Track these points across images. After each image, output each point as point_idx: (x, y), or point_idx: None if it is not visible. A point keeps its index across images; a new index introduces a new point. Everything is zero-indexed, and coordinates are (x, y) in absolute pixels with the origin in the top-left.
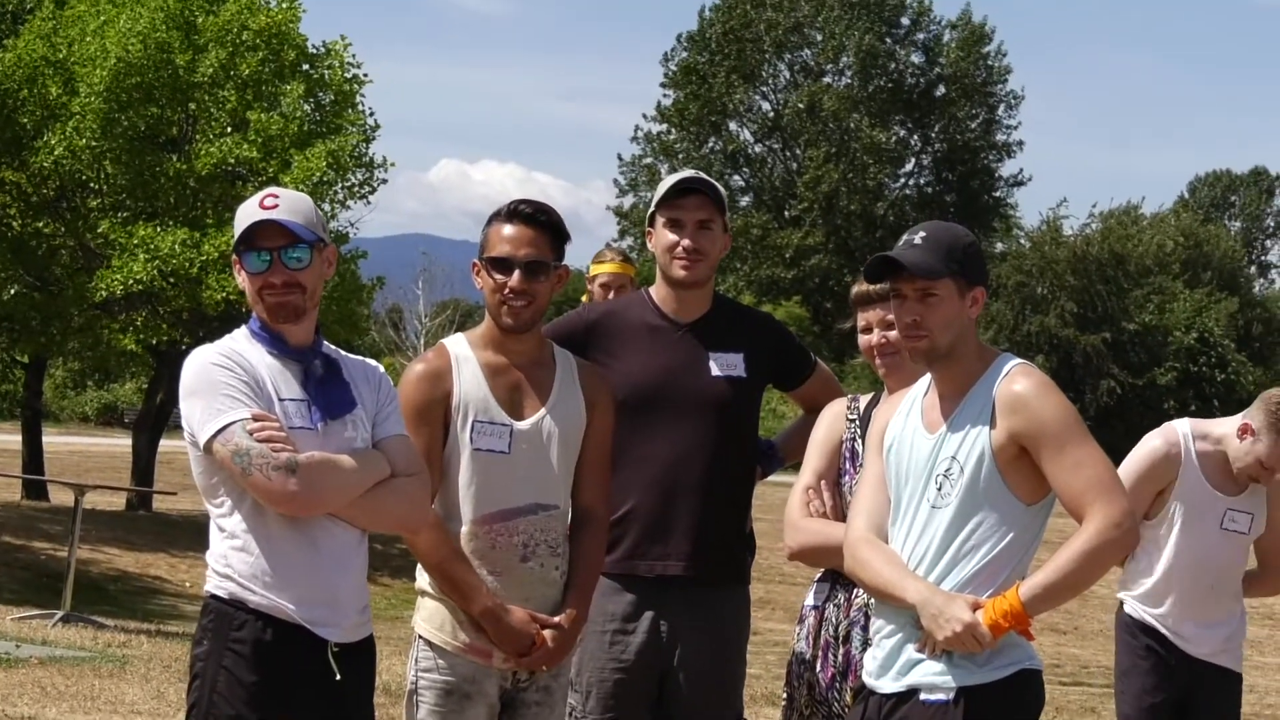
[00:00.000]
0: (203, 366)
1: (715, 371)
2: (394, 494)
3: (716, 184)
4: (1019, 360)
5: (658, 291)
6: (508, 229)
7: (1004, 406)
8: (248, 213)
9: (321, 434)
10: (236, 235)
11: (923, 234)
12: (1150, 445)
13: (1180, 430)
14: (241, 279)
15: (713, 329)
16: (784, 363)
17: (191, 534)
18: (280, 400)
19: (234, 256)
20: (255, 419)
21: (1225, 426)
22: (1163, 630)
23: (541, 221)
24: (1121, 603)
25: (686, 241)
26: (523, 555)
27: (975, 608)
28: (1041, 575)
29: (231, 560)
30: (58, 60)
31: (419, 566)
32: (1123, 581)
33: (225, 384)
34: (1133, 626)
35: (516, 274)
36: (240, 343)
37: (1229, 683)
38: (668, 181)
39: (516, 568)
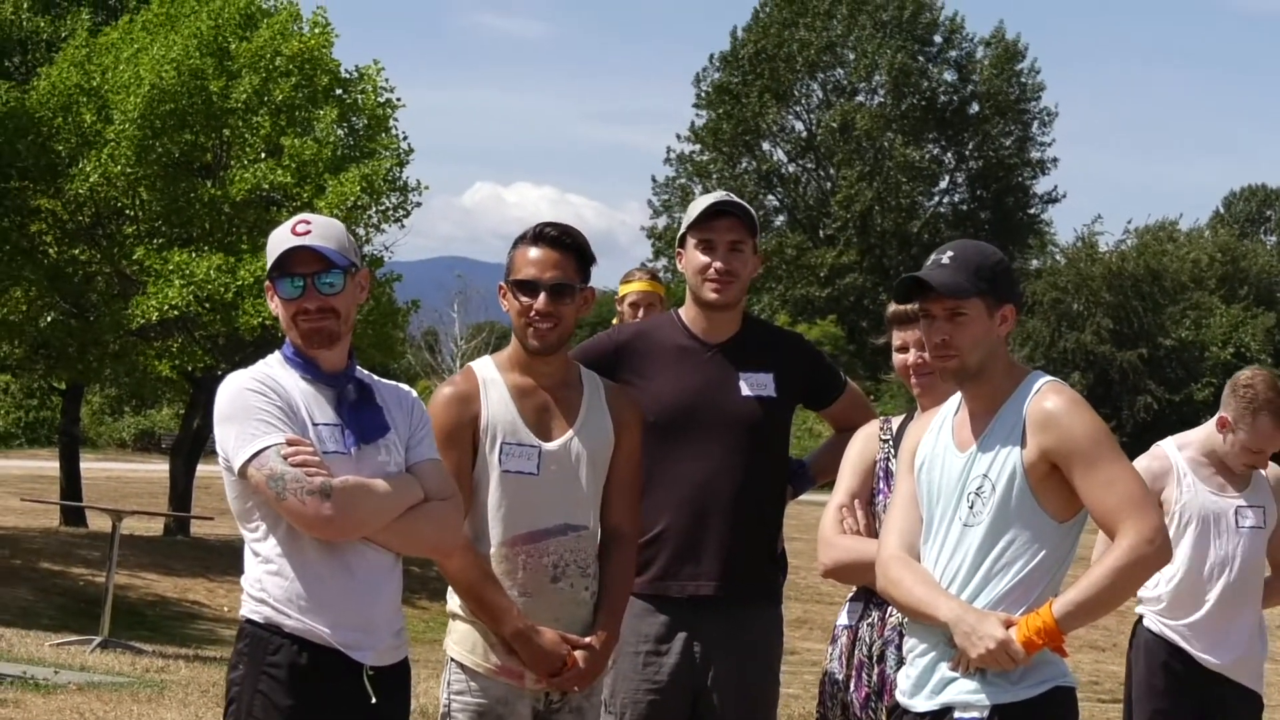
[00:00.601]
0: (237, 392)
1: (745, 392)
2: (427, 518)
3: (748, 205)
4: (1049, 378)
5: (687, 312)
6: (533, 252)
7: (1035, 424)
8: (280, 239)
9: (355, 458)
10: (270, 262)
11: (950, 253)
12: (1137, 464)
13: (1163, 446)
14: (275, 305)
15: (743, 349)
16: (815, 382)
17: (229, 558)
18: (314, 425)
19: (268, 283)
20: (289, 444)
21: (1201, 430)
22: (1183, 644)
23: (567, 244)
24: (1139, 619)
25: (719, 264)
26: (553, 576)
27: (1008, 625)
28: (1075, 592)
29: (266, 584)
30: (92, 88)
31: (450, 589)
32: (1141, 598)
33: (260, 409)
34: (1151, 644)
35: (542, 297)
36: (274, 368)
37: (1249, 703)
38: (699, 203)
39: (547, 589)
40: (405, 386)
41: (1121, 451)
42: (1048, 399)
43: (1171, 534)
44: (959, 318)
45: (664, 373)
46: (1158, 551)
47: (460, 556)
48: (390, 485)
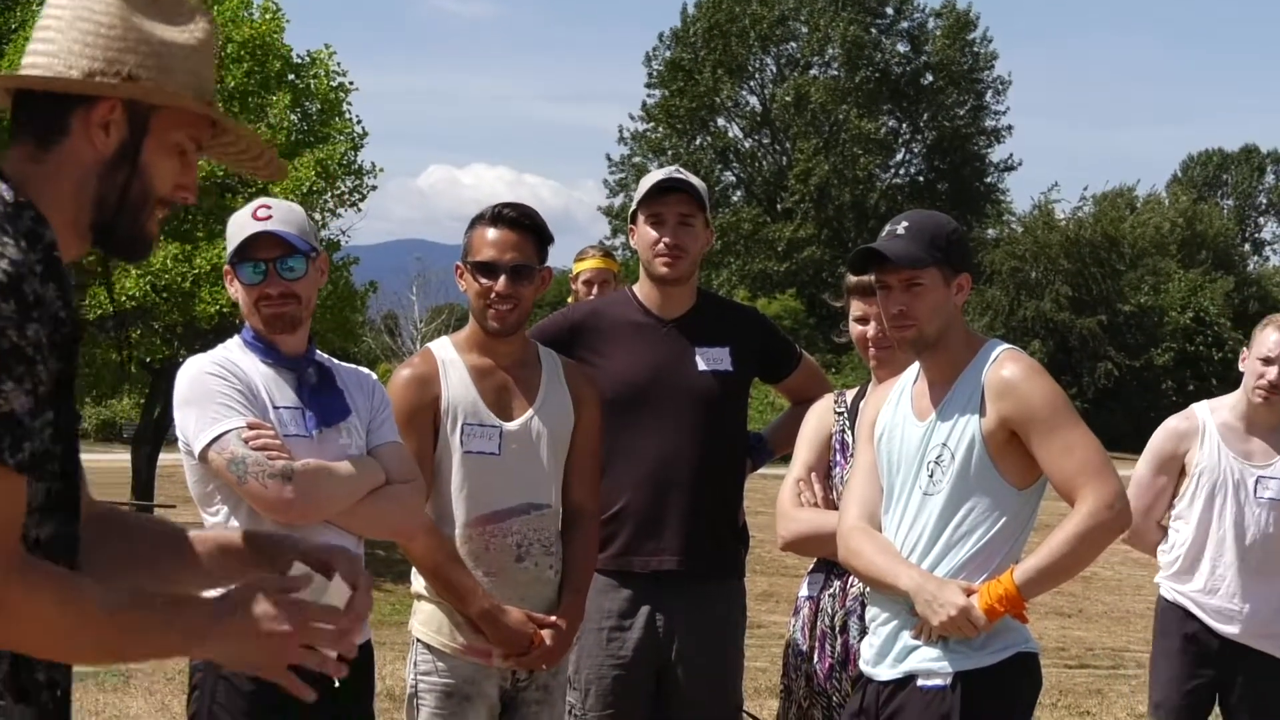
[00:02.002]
0: (197, 376)
1: (701, 366)
2: (389, 500)
3: (697, 180)
4: (1007, 346)
5: (641, 289)
6: (491, 233)
7: (993, 392)
8: (241, 224)
9: (317, 441)
10: (230, 247)
11: (905, 224)
12: (1166, 424)
13: (1196, 407)
14: (235, 291)
15: (697, 324)
16: (770, 356)
17: None
18: (275, 408)
19: (227, 268)
20: (250, 427)
21: (1237, 391)
22: (1196, 611)
23: (525, 225)
24: (1160, 588)
25: (668, 238)
26: (517, 555)
27: (969, 593)
28: (1035, 559)
29: None
30: None
31: (414, 571)
32: (1159, 565)
33: (219, 393)
34: (1166, 610)
35: (502, 279)
36: (234, 352)
37: (1271, 669)
38: (648, 179)
39: (511, 568)
40: (365, 370)
41: (1079, 418)
42: (1005, 367)
43: (1188, 496)
44: (915, 288)
45: (619, 350)
46: (1117, 516)
47: (423, 538)
48: (352, 468)
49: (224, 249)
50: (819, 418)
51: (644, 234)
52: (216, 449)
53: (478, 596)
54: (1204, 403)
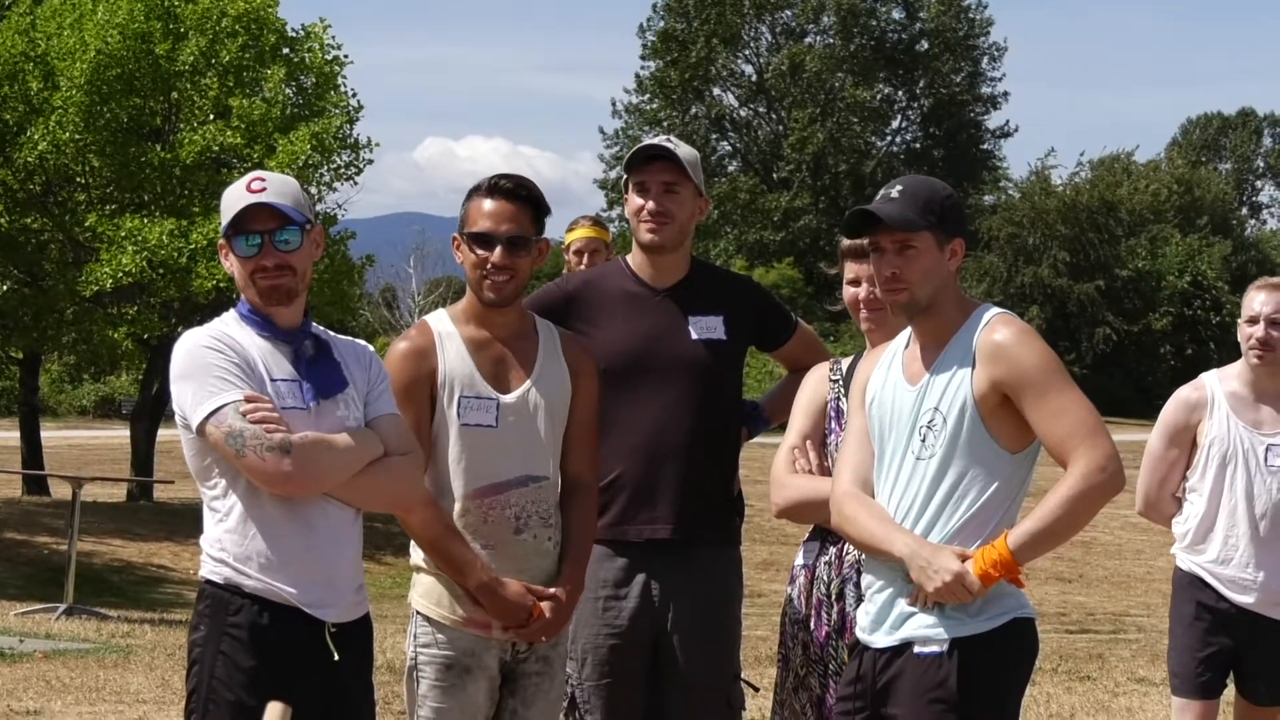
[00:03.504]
0: (194, 349)
1: (694, 335)
2: (387, 473)
3: (686, 149)
4: (999, 310)
5: (634, 258)
6: (488, 204)
7: (985, 355)
8: (236, 197)
9: (314, 414)
10: (225, 220)
11: (899, 187)
12: (1176, 394)
13: (1205, 376)
14: (230, 264)
15: (691, 293)
16: (765, 324)
17: (192, 522)
18: (272, 380)
19: (222, 242)
20: (248, 400)
21: (1239, 362)
22: (1210, 579)
23: (522, 196)
24: (1176, 559)
25: (651, 204)
26: (515, 528)
27: (963, 558)
28: (1029, 523)
29: (226, 544)
30: (38, 55)
31: (413, 543)
32: (1177, 538)
33: (216, 366)
34: (1182, 580)
35: (498, 250)
36: (230, 325)
37: None
38: (637, 149)
39: (510, 540)
40: (362, 342)
41: (1072, 381)
42: (997, 330)
43: (1199, 468)
44: (909, 251)
45: (613, 320)
46: (1110, 478)
47: (421, 510)
48: (350, 440)
49: (219, 224)
50: (814, 385)
51: (631, 202)
52: (214, 422)
53: (476, 569)
54: (1213, 372)
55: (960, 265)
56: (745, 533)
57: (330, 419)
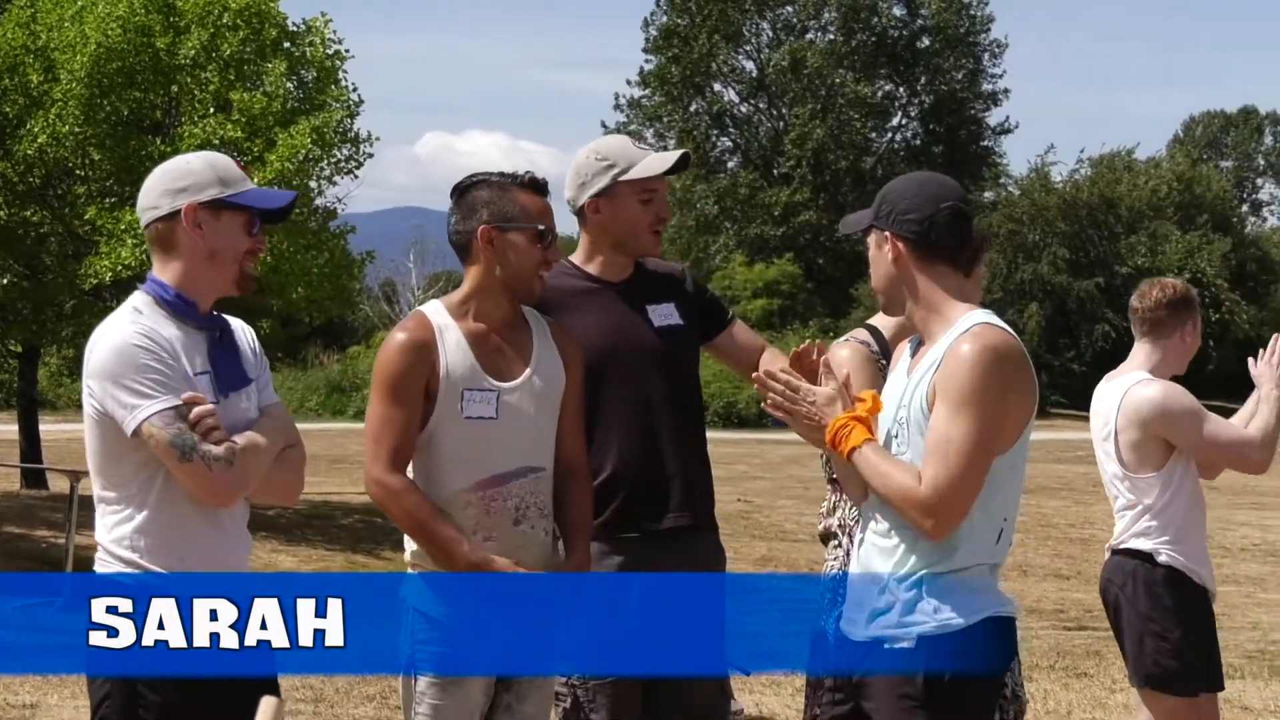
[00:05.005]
0: (124, 347)
1: (656, 323)
2: (286, 466)
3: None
4: (985, 321)
5: (582, 258)
6: (540, 201)
7: (945, 360)
8: (240, 176)
9: (223, 408)
10: (231, 190)
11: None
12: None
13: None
14: (206, 235)
15: (641, 285)
16: (707, 309)
17: None
18: (195, 375)
19: (210, 211)
20: (188, 403)
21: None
22: (1189, 574)
23: (548, 193)
24: (1150, 556)
25: (664, 214)
26: (515, 519)
27: (855, 420)
28: (874, 459)
29: (136, 542)
30: (38, 48)
31: (406, 539)
32: (1147, 533)
33: (150, 366)
34: (1168, 578)
35: (552, 246)
36: (150, 317)
37: None
38: (658, 159)
39: (509, 532)
40: (239, 321)
41: (989, 422)
42: (965, 342)
43: (1177, 464)
44: (870, 252)
45: (579, 316)
46: (922, 517)
47: (406, 498)
48: (267, 440)
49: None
50: (860, 365)
51: (630, 208)
52: (158, 424)
53: (464, 549)
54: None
55: (908, 262)
56: (745, 529)
57: (235, 411)
